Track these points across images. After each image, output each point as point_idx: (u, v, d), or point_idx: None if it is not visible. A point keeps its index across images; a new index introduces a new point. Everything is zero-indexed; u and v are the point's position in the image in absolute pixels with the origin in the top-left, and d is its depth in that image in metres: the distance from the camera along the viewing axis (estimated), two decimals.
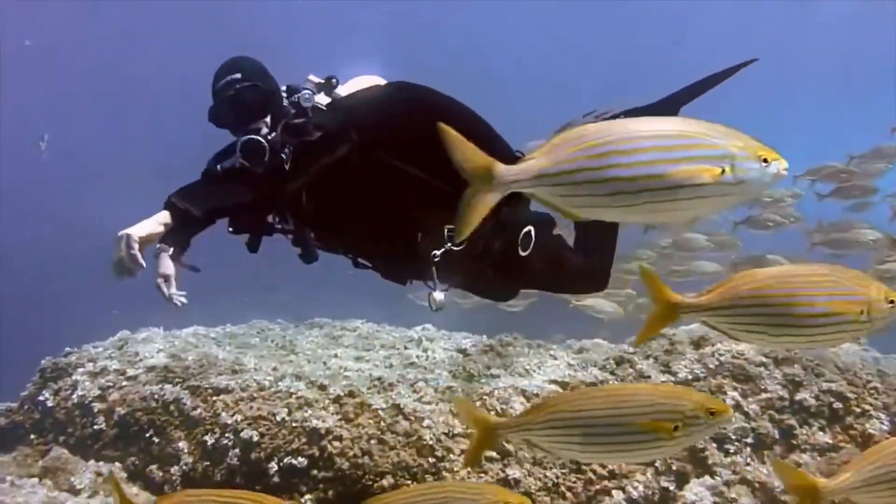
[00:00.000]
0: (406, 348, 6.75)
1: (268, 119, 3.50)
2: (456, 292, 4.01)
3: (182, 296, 3.45)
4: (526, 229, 3.96)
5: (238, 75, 3.50)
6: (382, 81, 3.89)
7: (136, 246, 3.13)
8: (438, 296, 3.76)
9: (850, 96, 24.62)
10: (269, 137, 3.43)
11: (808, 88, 25.11)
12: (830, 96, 25.23)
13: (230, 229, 3.65)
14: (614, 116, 4.20)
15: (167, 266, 3.55)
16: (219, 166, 3.50)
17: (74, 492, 4.49)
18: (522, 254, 3.96)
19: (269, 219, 3.71)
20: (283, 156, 3.40)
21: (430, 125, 3.71)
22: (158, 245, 3.63)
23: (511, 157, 3.90)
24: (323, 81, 3.67)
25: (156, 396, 5.29)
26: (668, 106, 4.21)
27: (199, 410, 5.21)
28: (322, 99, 3.65)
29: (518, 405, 5.18)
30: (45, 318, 14.57)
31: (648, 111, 4.21)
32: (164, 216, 3.26)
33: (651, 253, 7.95)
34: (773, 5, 24.09)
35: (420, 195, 3.60)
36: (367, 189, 3.54)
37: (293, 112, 3.55)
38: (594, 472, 4.85)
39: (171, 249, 3.66)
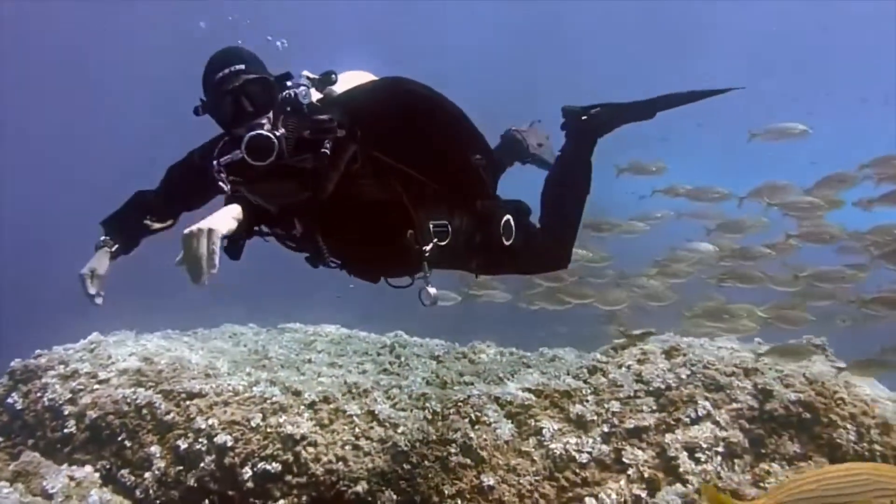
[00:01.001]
0: (379, 354, 6.76)
1: (270, 114, 3.41)
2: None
3: (101, 297, 3.42)
4: (505, 219, 4.04)
5: (242, 66, 3.39)
6: (371, 76, 3.89)
7: (219, 245, 2.82)
8: (432, 290, 3.79)
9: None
10: (277, 134, 3.35)
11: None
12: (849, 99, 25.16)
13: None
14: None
15: (102, 264, 3.51)
16: (215, 162, 3.37)
17: (47, 496, 4.44)
18: (507, 243, 4.03)
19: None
20: (326, 151, 3.31)
21: (421, 123, 3.74)
22: (103, 239, 3.61)
23: (487, 150, 3.99)
24: (318, 77, 3.64)
25: (128, 400, 5.26)
26: (646, 108, 4.54)
27: (172, 415, 5.19)
28: (314, 95, 3.63)
29: (492, 413, 5.21)
30: (16, 319, 14.37)
31: (626, 108, 4.57)
32: (235, 210, 2.95)
33: (690, 255, 7.76)
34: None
35: (409, 192, 3.62)
36: (364, 187, 3.53)
37: (290, 108, 3.51)
38: (567, 479, 4.89)
39: (115, 247, 3.63)
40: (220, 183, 3.39)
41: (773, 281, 7.22)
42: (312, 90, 3.61)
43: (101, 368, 5.63)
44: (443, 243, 3.76)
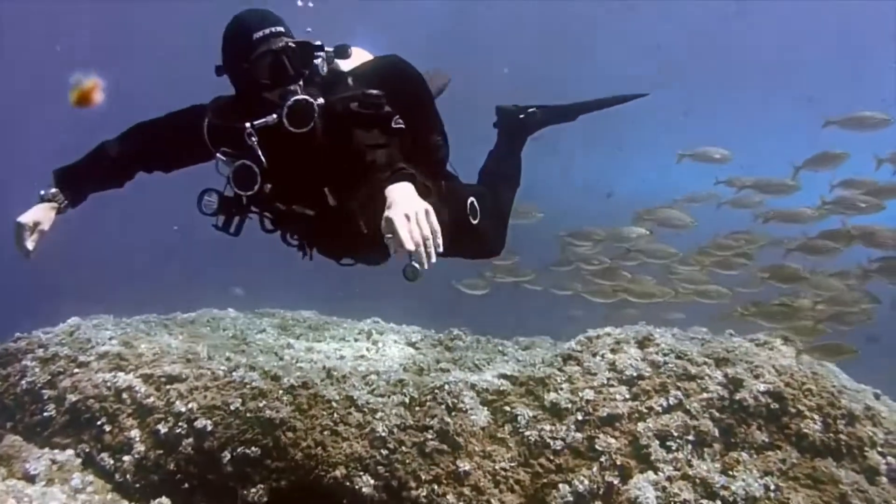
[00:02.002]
0: (356, 340, 6.84)
1: (301, 82, 3.36)
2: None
3: (34, 254, 3.29)
4: (470, 199, 4.12)
5: (282, 28, 3.35)
6: (366, 53, 3.89)
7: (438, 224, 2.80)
8: (416, 265, 3.83)
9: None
10: (319, 101, 3.31)
11: None
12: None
13: (206, 211, 3.56)
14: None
15: (48, 219, 3.39)
16: (249, 125, 3.31)
17: (29, 479, 4.47)
18: (474, 222, 4.12)
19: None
20: (401, 126, 3.38)
21: (411, 102, 3.77)
22: (52, 192, 3.47)
23: (444, 132, 4.06)
24: (332, 50, 3.54)
25: (108, 384, 5.28)
26: (572, 111, 5.06)
27: (152, 399, 5.23)
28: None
29: (469, 400, 5.29)
30: None
31: (555, 111, 5.06)
32: (412, 187, 2.94)
33: (732, 242, 7.67)
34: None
35: None
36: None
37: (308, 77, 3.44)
38: (541, 465, 4.99)
39: (65, 203, 3.51)
40: (253, 147, 3.34)
41: (812, 283, 7.14)
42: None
43: (80, 352, 5.63)
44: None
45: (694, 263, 7.95)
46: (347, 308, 8.02)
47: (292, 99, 3.26)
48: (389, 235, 2.73)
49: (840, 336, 6.48)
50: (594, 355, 5.79)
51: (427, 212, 2.75)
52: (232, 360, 5.75)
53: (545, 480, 4.93)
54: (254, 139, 3.33)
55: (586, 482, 4.85)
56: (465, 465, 4.88)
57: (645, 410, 5.24)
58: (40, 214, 3.38)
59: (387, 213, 2.77)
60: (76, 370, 5.46)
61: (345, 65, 3.72)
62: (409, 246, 2.67)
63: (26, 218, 3.32)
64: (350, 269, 4.05)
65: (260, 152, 3.35)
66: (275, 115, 3.28)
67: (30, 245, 3.30)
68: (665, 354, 5.59)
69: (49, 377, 5.44)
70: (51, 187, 3.51)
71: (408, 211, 2.73)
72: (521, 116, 4.98)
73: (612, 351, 5.79)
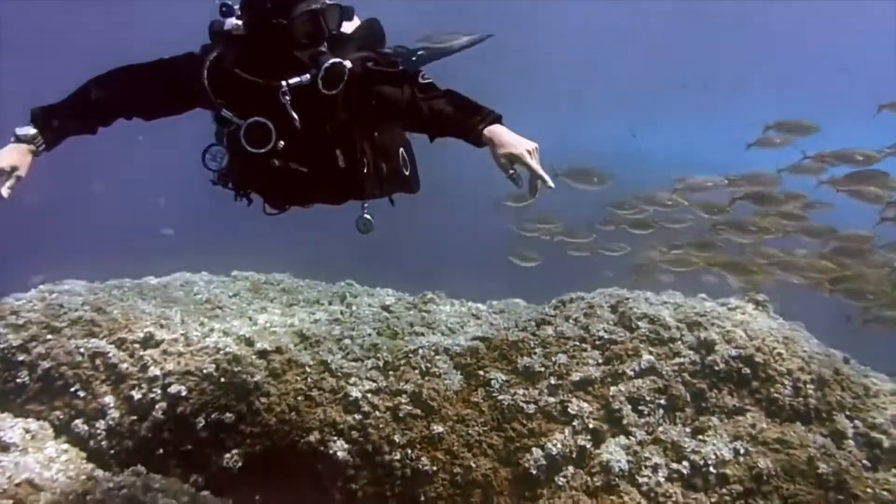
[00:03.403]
0: (330, 304, 6.82)
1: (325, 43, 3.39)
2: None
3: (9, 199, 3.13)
4: (401, 150, 4.17)
5: None
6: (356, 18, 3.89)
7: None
8: (368, 217, 3.90)
9: None
10: (349, 64, 3.36)
11: None
12: None
13: (212, 166, 3.57)
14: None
15: (24, 164, 3.21)
16: (285, 82, 3.30)
17: (4, 448, 4.44)
18: (406, 173, 4.16)
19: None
20: (430, 80, 3.43)
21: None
22: (31, 133, 3.27)
23: None
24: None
25: (81, 350, 5.24)
26: (446, 52, 5.33)
27: (125, 365, 5.20)
28: None
29: (443, 364, 5.31)
30: None
31: (435, 51, 5.24)
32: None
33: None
34: None
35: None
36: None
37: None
38: (514, 430, 5.03)
39: (42, 147, 3.32)
40: (286, 106, 3.36)
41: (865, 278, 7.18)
42: None
43: (53, 318, 5.53)
44: (365, 171, 3.83)
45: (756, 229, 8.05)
46: (321, 270, 7.98)
47: (329, 62, 3.29)
48: (512, 171, 3.08)
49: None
50: (567, 319, 5.82)
51: (537, 148, 3.06)
52: (205, 324, 5.73)
53: (518, 444, 4.97)
54: (287, 98, 3.33)
55: (559, 446, 4.90)
56: (438, 429, 4.91)
57: (618, 374, 5.29)
58: (18, 158, 3.19)
59: (504, 150, 3.06)
60: (49, 336, 5.38)
61: (345, 27, 3.71)
62: (546, 175, 3.05)
63: (2, 162, 3.14)
64: (325, 232, 4.13)
65: (292, 111, 3.37)
66: (308, 76, 3.31)
67: (5, 192, 3.13)
68: (638, 319, 5.63)
69: (21, 343, 5.35)
70: (28, 126, 3.31)
71: (528, 147, 3.05)
72: (414, 59, 5.05)
73: (586, 315, 5.81)
